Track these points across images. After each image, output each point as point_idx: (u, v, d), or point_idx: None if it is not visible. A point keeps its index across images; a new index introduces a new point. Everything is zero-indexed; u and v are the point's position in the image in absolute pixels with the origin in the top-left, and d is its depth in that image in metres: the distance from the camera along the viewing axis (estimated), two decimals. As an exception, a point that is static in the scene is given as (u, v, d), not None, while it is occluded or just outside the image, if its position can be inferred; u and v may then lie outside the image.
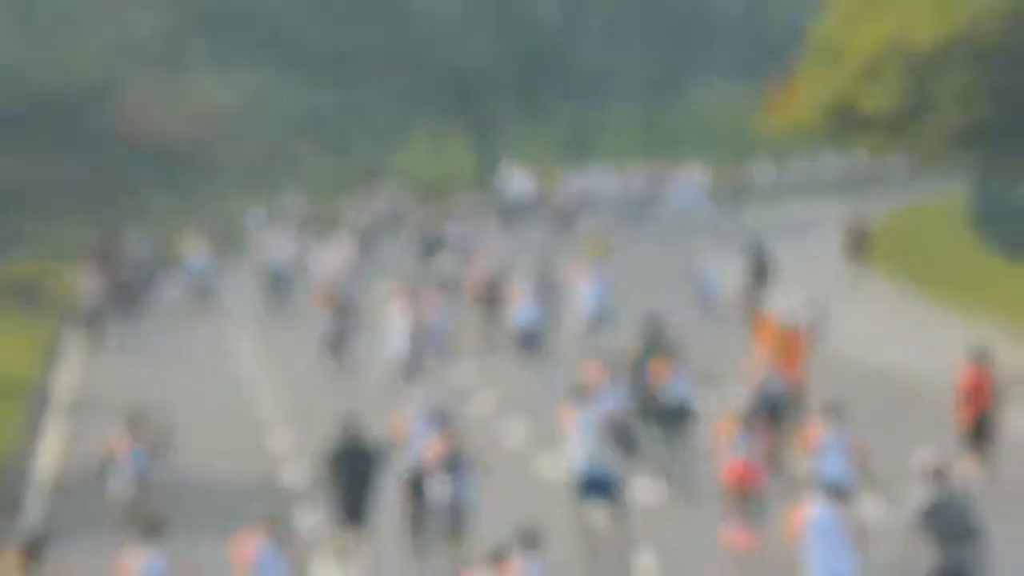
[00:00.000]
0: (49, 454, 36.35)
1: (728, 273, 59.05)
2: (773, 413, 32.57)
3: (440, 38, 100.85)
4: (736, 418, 30.73)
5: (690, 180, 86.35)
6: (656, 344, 37.36)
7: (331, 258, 64.44)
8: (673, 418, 34.50)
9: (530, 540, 21.53)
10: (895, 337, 44.42)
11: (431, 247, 72.81)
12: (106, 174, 75.66)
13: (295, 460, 34.92)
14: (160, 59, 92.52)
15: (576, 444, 30.22)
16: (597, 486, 29.22)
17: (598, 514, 28.63)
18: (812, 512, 20.95)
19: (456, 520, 28.24)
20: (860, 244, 64.08)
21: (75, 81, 79.87)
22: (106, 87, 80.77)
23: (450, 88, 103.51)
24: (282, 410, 41.92)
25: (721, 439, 30.20)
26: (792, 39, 66.68)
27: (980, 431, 33.62)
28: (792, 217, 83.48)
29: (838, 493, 22.33)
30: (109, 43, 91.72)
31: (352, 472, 29.59)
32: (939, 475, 22.71)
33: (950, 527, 21.40)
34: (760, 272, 58.48)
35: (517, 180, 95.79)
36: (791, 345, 36.04)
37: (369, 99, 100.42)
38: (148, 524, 23.51)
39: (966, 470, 31.73)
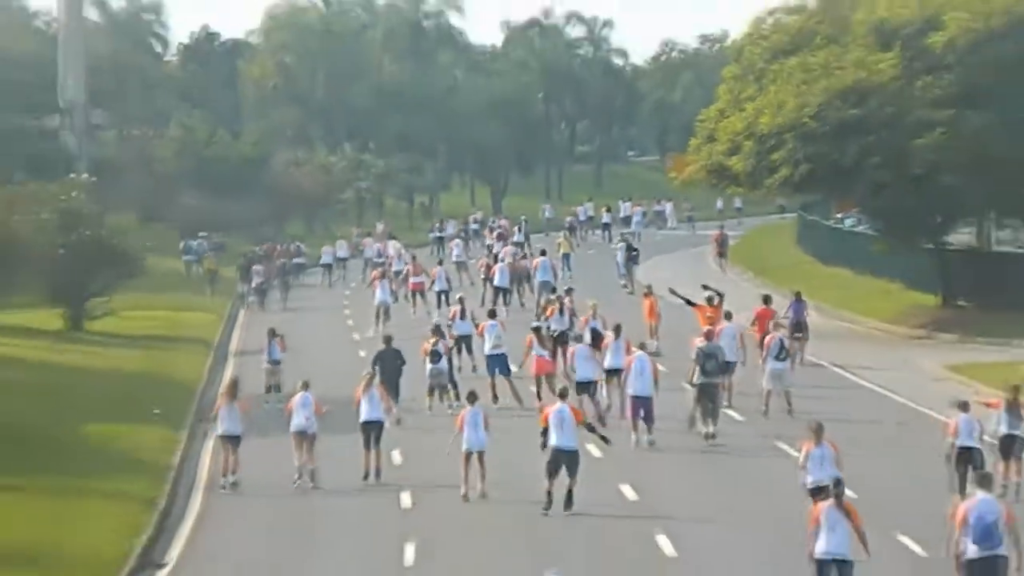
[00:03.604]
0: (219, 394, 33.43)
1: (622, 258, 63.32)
2: (718, 358, 33.29)
3: (468, 125, 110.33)
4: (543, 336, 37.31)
5: (630, 212, 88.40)
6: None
7: (391, 252, 65.67)
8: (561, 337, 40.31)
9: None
10: (742, 303, 43.75)
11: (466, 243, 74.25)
12: (265, 207, 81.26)
13: (367, 359, 36.40)
14: (297, 139, 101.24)
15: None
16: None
17: None
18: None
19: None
20: (722, 250, 70.33)
21: (248, 151, 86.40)
22: (266, 155, 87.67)
23: (474, 156, 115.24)
24: (360, 338, 45.91)
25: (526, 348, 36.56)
26: (687, 128, 68.17)
27: (763, 340, 37.04)
28: (687, 234, 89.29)
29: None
30: (269, 128, 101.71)
31: (387, 364, 34.83)
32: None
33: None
34: (631, 256, 63.10)
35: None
36: (714, 313, 38.82)
37: (424, 162, 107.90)
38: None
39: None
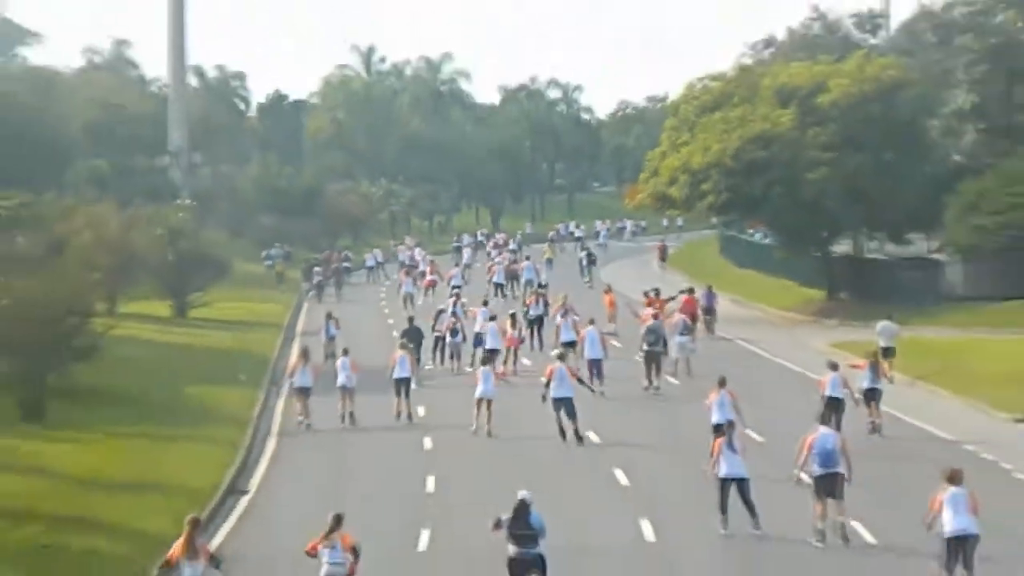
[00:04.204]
0: (293, 355, 34.65)
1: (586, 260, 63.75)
2: (658, 334, 33.67)
3: (474, 164, 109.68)
4: (512, 321, 37.71)
5: (599, 229, 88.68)
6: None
7: (418, 256, 67.54)
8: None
9: None
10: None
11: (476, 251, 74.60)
12: (321, 225, 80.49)
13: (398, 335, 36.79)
14: (345, 174, 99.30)
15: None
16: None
17: None
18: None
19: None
20: (663, 256, 70.53)
21: (308, 183, 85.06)
22: (321, 187, 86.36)
23: (478, 187, 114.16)
24: (394, 321, 44.32)
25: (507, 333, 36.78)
26: (637, 165, 67.67)
27: (694, 320, 38.75)
28: (639, 245, 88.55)
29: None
30: (323, 167, 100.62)
31: (411, 337, 35.69)
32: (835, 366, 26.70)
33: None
34: (590, 260, 63.34)
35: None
36: (659, 304, 38.35)
37: (440, 192, 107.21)
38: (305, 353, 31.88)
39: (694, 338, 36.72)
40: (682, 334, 35.27)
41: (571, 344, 33.94)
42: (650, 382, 32.95)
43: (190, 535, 15.25)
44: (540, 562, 15.51)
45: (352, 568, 15.57)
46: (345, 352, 31.45)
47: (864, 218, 51.68)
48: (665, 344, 34.16)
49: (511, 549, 15.62)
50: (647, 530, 20.01)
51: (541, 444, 26.65)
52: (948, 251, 50.10)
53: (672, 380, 33.98)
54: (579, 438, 26.72)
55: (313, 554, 15.61)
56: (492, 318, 37.53)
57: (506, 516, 15.65)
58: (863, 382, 27.19)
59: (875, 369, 27.85)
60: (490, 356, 33.30)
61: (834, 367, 26.62)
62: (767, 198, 48.81)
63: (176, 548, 15.28)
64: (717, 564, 18.66)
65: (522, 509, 15.67)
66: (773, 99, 50.58)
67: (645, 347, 33.37)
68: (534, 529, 15.65)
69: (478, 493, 22.59)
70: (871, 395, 27.27)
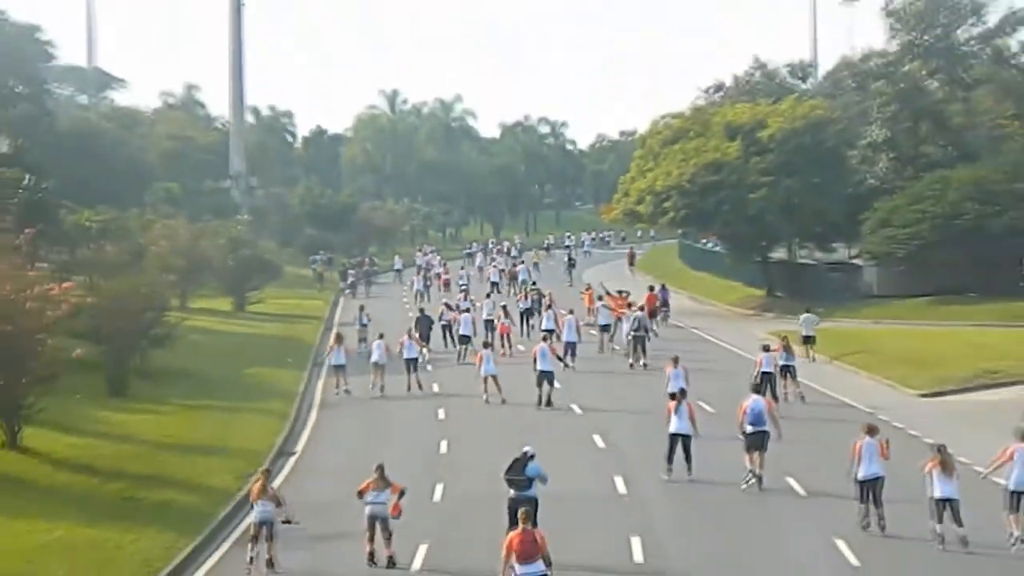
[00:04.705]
0: (329, 340, 33.98)
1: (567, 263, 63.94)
2: (642, 322, 33.95)
3: (479, 186, 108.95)
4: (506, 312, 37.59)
5: (584, 239, 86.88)
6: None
7: (435, 261, 65.57)
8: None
9: None
10: (641, 292, 41.61)
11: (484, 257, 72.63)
12: (355, 236, 79.53)
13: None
14: (375, 195, 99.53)
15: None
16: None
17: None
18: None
19: None
20: (631, 260, 68.61)
21: (344, 202, 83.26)
22: (355, 204, 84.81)
23: (482, 205, 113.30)
24: (413, 313, 41.62)
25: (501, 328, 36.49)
26: (612, 187, 66.09)
27: (653, 314, 38.75)
28: (613, 251, 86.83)
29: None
30: (357, 188, 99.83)
31: (422, 324, 36.26)
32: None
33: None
34: (571, 264, 63.58)
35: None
36: (622, 302, 38.25)
37: (452, 209, 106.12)
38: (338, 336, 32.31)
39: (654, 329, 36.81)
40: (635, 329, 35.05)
41: (550, 331, 33.88)
42: (637, 360, 33.07)
43: (264, 482, 16.10)
44: (532, 502, 15.61)
45: (396, 506, 16.00)
46: (380, 336, 31.50)
47: (796, 230, 51.54)
48: (647, 330, 34.25)
49: (511, 492, 15.92)
50: (619, 483, 20.16)
51: (533, 414, 26.63)
52: (865, 257, 50.04)
53: (630, 360, 33.67)
54: (549, 402, 27.44)
55: (362, 495, 15.88)
56: (466, 311, 38.08)
57: (517, 458, 16.08)
58: (779, 360, 27.65)
59: (788, 349, 28.32)
60: (464, 340, 35.12)
61: (766, 349, 27.38)
62: (717, 214, 48.75)
63: (254, 491, 16.06)
64: (672, 508, 18.72)
65: (520, 460, 16.13)
66: (722, 133, 50.47)
67: (632, 333, 33.50)
68: (526, 476, 16.00)
69: (480, 454, 22.60)
70: (786, 370, 27.80)
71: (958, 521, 15.92)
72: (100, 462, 21.42)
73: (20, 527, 16.79)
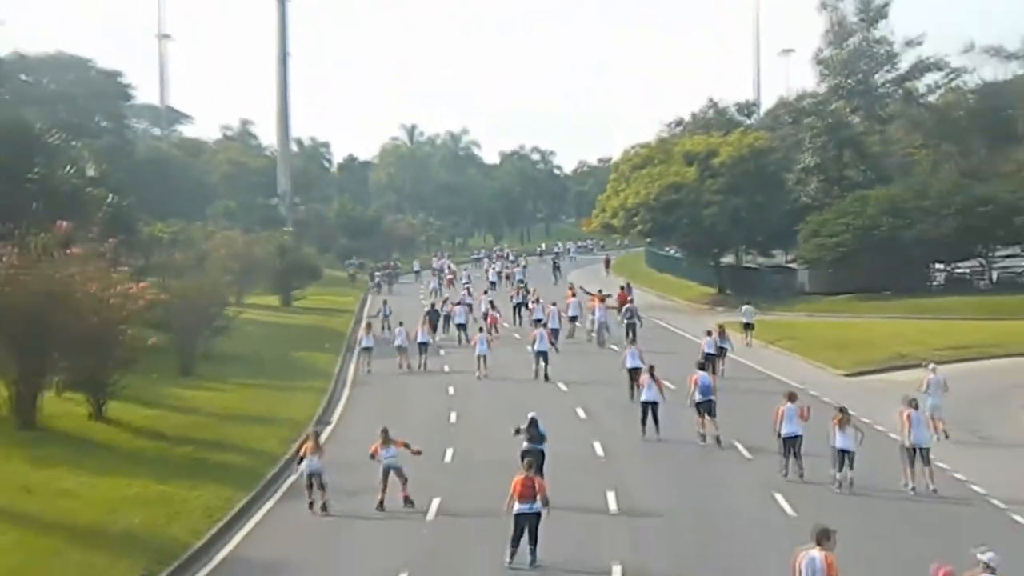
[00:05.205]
0: (359, 331, 35.16)
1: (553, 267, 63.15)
2: (633, 311, 34.29)
3: (482, 203, 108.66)
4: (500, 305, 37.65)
5: (568, 247, 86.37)
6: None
7: (447, 264, 65.39)
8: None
9: None
10: (615, 289, 42.21)
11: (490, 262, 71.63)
12: (381, 244, 77.40)
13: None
14: (397, 209, 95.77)
15: None
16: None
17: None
18: None
19: None
20: (607, 264, 67.93)
21: (372, 216, 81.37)
22: (381, 218, 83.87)
23: (486, 219, 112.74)
24: (427, 306, 41.18)
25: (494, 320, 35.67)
26: (591, 204, 65.35)
27: (621, 306, 36.94)
28: (592, 257, 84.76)
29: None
30: (382, 204, 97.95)
31: (432, 315, 36.66)
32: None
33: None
34: (556, 267, 63.12)
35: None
36: (598, 298, 37.30)
37: (461, 222, 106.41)
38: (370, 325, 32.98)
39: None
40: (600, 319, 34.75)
41: (538, 320, 33.94)
42: (632, 343, 32.35)
43: (314, 442, 16.37)
44: (540, 455, 15.83)
45: (414, 450, 16.33)
46: (400, 324, 31.83)
47: (742, 239, 51.51)
48: (639, 317, 34.21)
49: (525, 444, 16.20)
50: (598, 447, 20.08)
51: (527, 391, 26.47)
52: (799, 261, 49.90)
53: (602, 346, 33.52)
54: (546, 377, 27.35)
55: (375, 455, 15.88)
56: (457, 303, 38.18)
57: (523, 426, 16.43)
58: (718, 343, 28.02)
59: (723, 335, 28.59)
60: (460, 327, 35.07)
61: (709, 333, 27.94)
62: (677, 226, 48.66)
63: (305, 448, 16.27)
64: (640, 467, 18.66)
65: (533, 422, 16.57)
66: (681, 160, 50.34)
67: (625, 320, 33.57)
68: (540, 433, 16.51)
69: (484, 423, 22.54)
70: (721, 352, 28.07)
71: (851, 466, 16.47)
72: (170, 430, 21.38)
73: (105, 483, 16.84)
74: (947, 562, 8.96)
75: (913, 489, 16.31)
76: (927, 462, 16.54)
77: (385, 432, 16.04)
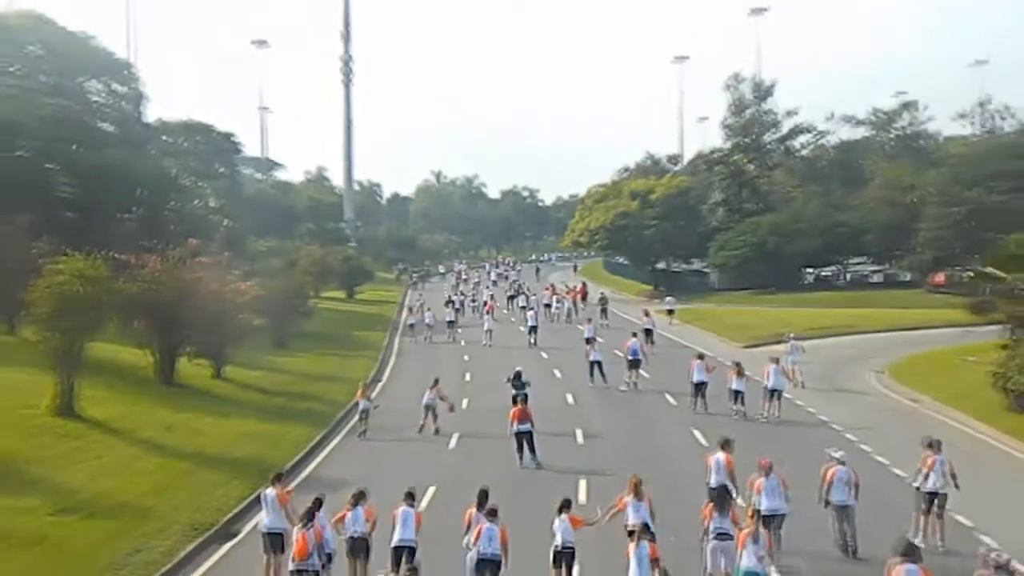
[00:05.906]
0: (403, 314, 35.34)
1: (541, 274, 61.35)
2: (607, 300, 33.24)
3: (488, 228, 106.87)
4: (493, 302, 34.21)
5: (551, 257, 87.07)
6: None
7: (464, 269, 63.82)
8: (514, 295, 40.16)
9: None
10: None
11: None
12: (417, 255, 74.51)
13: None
14: (428, 231, 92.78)
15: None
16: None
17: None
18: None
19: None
20: (575, 269, 66.88)
21: (411, 235, 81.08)
22: (416, 237, 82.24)
23: (491, 238, 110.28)
24: (448, 296, 39.20)
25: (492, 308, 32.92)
26: (565, 228, 62.05)
27: (584, 297, 36.81)
28: (567, 264, 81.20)
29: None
30: (418, 228, 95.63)
31: (453, 304, 35.10)
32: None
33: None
34: (537, 270, 63.45)
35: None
36: (572, 293, 37.75)
37: (469, 240, 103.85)
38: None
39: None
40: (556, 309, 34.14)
41: (524, 307, 33.74)
42: (604, 320, 31.86)
43: (364, 388, 17.21)
44: (525, 396, 15.67)
45: (449, 403, 16.49)
46: (429, 309, 31.86)
47: (671, 251, 51.39)
48: (607, 303, 33.56)
49: (513, 391, 16.46)
50: (570, 398, 19.88)
51: (522, 357, 25.44)
52: (710, 267, 49.78)
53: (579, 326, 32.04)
54: (535, 344, 26.87)
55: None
56: (461, 295, 38.20)
57: (511, 377, 17.10)
58: (646, 325, 27.17)
59: (648, 316, 27.87)
60: (473, 308, 34.83)
61: (647, 314, 27.54)
62: (625, 243, 48.97)
63: (358, 393, 17.07)
64: (599, 412, 18.39)
65: (518, 374, 17.20)
66: (628, 196, 50.27)
67: (600, 306, 32.90)
68: (523, 382, 17.01)
69: (489, 382, 22.18)
70: (648, 332, 26.94)
71: (743, 403, 17.06)
72: (269, 385, 21.26)
73: (225, 424, 16.74)
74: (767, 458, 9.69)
75: (766, 419, 16.88)
76: (779, 399, 17.18)
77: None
